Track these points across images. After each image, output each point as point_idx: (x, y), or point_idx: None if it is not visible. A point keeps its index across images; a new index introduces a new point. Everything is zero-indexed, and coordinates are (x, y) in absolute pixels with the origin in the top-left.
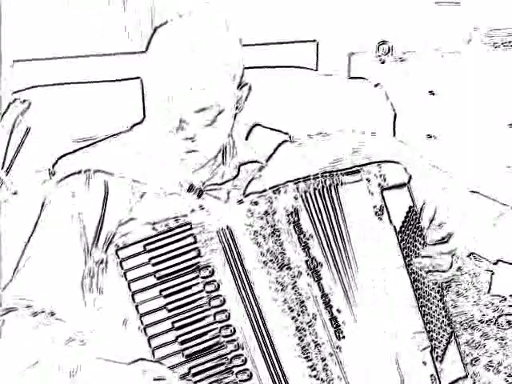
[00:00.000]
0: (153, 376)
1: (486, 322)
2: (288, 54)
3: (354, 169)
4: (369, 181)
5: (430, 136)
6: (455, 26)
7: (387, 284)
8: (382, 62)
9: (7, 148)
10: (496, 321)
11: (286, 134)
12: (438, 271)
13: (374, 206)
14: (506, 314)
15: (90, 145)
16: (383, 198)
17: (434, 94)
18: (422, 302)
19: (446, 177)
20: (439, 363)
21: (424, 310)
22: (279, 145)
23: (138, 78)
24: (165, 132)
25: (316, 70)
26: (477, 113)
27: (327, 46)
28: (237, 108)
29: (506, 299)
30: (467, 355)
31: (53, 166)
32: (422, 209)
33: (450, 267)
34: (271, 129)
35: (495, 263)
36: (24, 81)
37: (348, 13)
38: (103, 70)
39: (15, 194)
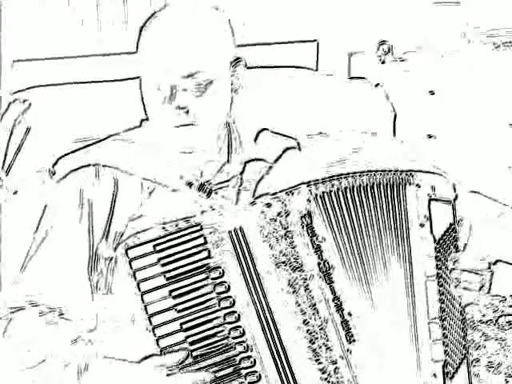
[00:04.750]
0: (166, 372)
1: (486, 322)
2: (288, 54)
3: (407, 172)
4: (419, 186)
5: (430, 136)
6: (455, 25)
7: (413, 291)
8: (382, 62)
9: (7, 148)
10: (496, 321)
11: (295, 139)
12: (467, 289)
13: (418, 212)
14: (506, 315)
15: (90, 145)
16: (429, 207)
17: (433, 93)
18: (443, 316)
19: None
20: (449, 380)
21: (443, 324)
22: (286, 149)
23: (137, 77)
24: (159, 103)
25: (316, 70)
26: (477, 113)
27: (327, 45)
28: (232, 84)
29: (505, 299)
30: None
31: (53, 166)
32: (458, 224)
33: (480, 289)
34: (279, 134)
35: (495, 263)
36: (24, 81)
37: (348, 13)
38: (103, 70)
39: (15, 193)
